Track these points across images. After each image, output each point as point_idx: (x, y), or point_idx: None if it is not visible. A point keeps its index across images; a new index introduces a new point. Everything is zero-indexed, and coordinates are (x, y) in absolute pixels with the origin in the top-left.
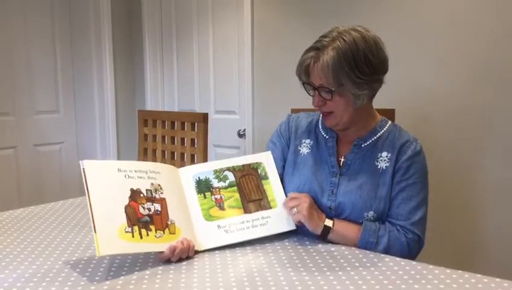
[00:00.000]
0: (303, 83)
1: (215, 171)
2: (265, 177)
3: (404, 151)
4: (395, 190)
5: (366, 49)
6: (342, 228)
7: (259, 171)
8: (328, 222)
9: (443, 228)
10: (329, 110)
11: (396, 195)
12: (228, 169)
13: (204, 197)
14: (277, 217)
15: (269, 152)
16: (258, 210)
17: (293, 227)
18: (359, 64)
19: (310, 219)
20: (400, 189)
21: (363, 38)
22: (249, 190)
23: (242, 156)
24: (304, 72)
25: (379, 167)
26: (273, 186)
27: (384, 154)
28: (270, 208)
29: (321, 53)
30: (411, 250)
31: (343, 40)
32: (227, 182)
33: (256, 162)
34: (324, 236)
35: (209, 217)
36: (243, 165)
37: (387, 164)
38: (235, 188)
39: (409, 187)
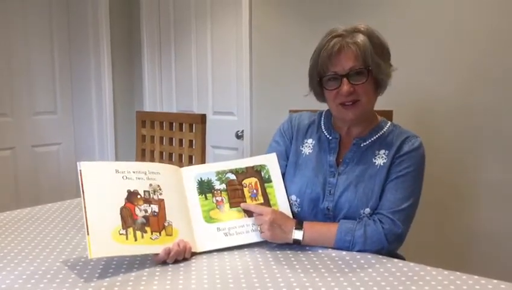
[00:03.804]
0: (320, 79)
1: (218, 173)
2: (269, 181)
3: (402, 147)
4: (386, 181)
5: (380, 36)
6: (313, 235)
7: (262, 173)
8: (298, 234)
9: (440, 228)
10: (357, 98)
11: (386, 185)
12: (231, 171)
13: (206, 198)
14: None
15: (274, 154)
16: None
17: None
18: (383, 48)
19: (273, 237)
20: (390, 180)
21: (375, 30)
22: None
23: (246, 158)
24: (328, 62)
25: (376, 163)
26: (276, 190)
27: (382, 151)
28: None
29: (350, 37)
30: (389, 239)
31: (363, 27)
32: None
33: (260, 165)
34: (298, 245)
35: (209, 219)
36: (246, 168)
37: (384, 160)
38: None
39: (398, 179)
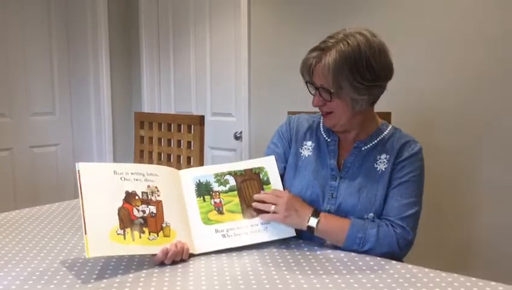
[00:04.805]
0: (306, 82)
1: (216, 175)
2: (267, 182)
3: (402, 152)
4: (389, 187)
5: (370, 54)
6: (327, 226)
7: (261, 176)
8: (313, 222)
9: (439, 230)
10: (328, 110)
11: (389, 192)
12: (229, 173)
13: (204, 200)
14: (277, 224)
15: (272, 156)
16: (257, 215)
17: (292, 234)
18: (360, 70)
19: (287, 220)
20: (393, 186)
21: (367, 43)
22: (249, 195)
23: (244, 161)
24: (307, 71)
25: (378, 169)
26: None
27: (383, 156)
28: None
29: (324, 54)
30: (400, 245)
31: (348, 43)
32: (228, 186)
33: (258, 167)
34: (310, 233)
35: (207, 221)
36: (245, 170)
37: (385, 166)
38: (236, 192)
39: (402, 185)
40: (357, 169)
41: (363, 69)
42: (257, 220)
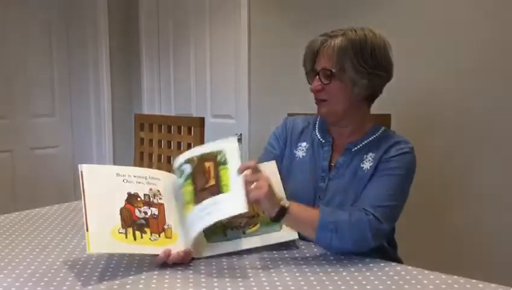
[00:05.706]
0: (306, 73)
1: (176, 170)
2: (224, 163)
3: (389, 150)
4: (370, 179)
5: (375, 44)
6: (298, 210)
7: (218, 158)
8: (285, 202)
9: (439, 231)
10: (326, 97)
11: (369, 181)
12: (186, 162)
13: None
14: (228, 201)
15: (235, 138)
16: (208, 197)
17: (295, 237)
18: (364, 55)
19: (270, 197)
20: (375, 177)
21: (374, 36)
22: (200, 177)
23: (206, 144)
24: (311, 55)
25: (364, 168)
26: (231, 171)
27: (370, 154)
28: (221, 192)
29: (331, 38)
30: (372, 232)
31: (356, 32)
32: (183, 177)
33: (217, 150)
34: (279, 218)
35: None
36: (201, 154)
37: (371, 163)
38: (190, 180)
39: (383, 177)
40: (345, 170)
41: (367, 55)
42: (208, 202)
